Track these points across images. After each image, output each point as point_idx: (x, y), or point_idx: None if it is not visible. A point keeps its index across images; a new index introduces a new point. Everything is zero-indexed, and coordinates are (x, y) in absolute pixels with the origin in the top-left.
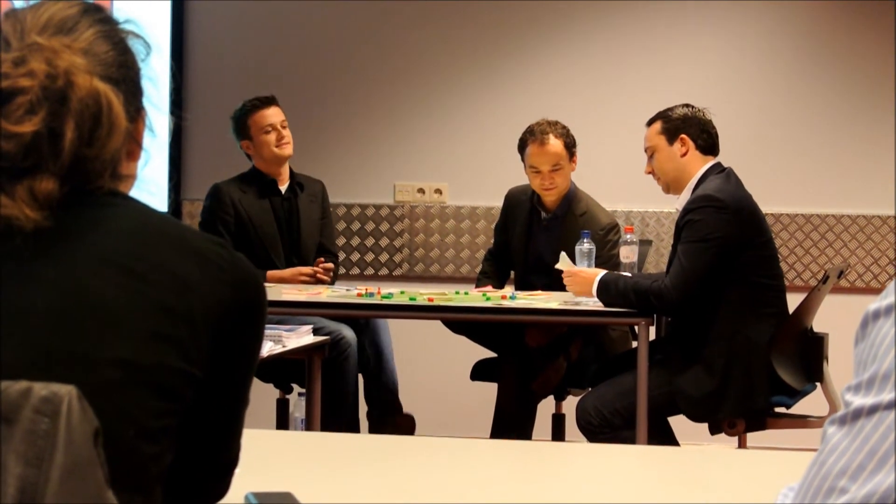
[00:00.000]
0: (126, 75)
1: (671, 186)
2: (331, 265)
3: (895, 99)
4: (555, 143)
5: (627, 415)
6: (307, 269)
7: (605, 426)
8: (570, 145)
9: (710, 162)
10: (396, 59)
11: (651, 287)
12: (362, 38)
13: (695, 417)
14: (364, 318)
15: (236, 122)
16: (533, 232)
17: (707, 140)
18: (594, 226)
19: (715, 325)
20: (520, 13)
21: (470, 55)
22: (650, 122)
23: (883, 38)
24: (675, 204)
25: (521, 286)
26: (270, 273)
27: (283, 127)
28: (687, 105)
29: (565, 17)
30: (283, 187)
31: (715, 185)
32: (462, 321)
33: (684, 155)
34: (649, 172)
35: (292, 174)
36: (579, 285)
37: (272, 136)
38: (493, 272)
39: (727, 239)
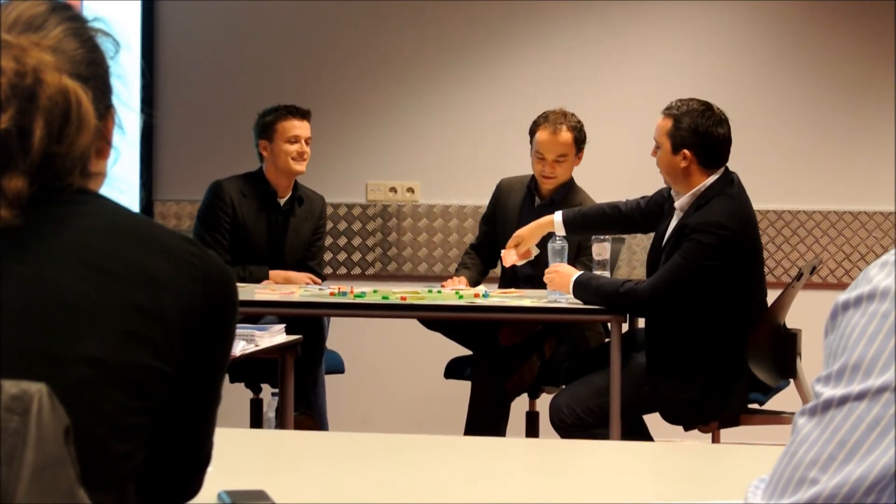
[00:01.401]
0: (95, 73)
1: (669, 184)
2: (319, 280)
3: (869, 97)
4: (565, 135)
5: (601, 413)
6: (305, 276)
7: (578, 424)
8: (580, 140)
9: (717, 174)
10: (368, 59)
11: (627, 289)
12: (333, 38)
13: (674, 422)
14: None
15: (263, 121)
16: (524, 217)
17: (712, 156)
18: None
19: (697, 334)
20: (492, 12)
21: (442, 54)
22: (664, 113)
23: (861, 37)
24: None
25: (506, 273)
26: (276, 272)
27: (307, 142)
28: (706, 108)
29: (538, 17)
30: (283, 199)
31: (726, 209)
32: (435, 319)
33: (685, 168)
34: (654, 156)
35: (295, 186)
36: (557, 283)
37: (294, 148)
38: (473, 265)
39: (723, 268)
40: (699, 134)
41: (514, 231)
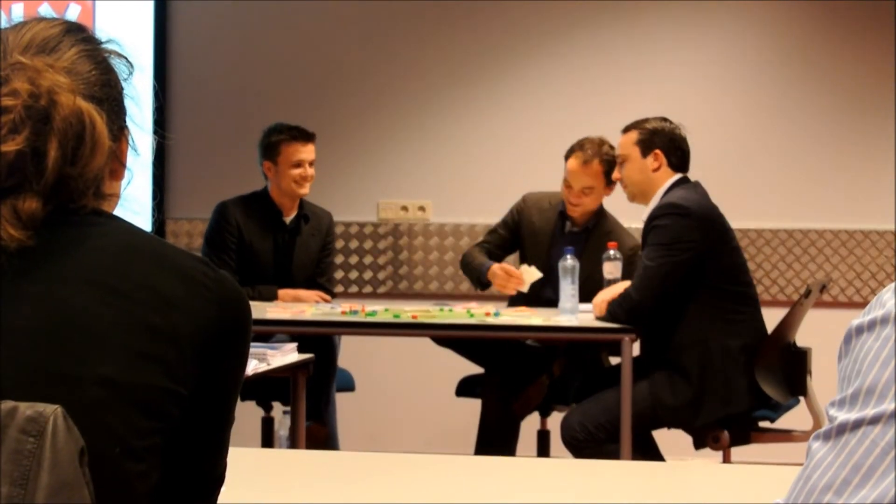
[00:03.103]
0: (109, 94)
1: (637, 196)
2: (329, 297)
3: (878, 116)
4: (595, 167)
5: (611, 429)
6: (314, 294)
7: (590, 440)
8: (609, 175)
9: (678, 176)
10: (379, 78)
11: (620, 297)
12: (344, 58)
13: (674, 425)
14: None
15: (268, 142)
16: (555, 242)
17: (680, 157)
18: (621, 247)
19: (688, 334)
20: (503, 31)
21: (454, 72)
22: (626, 130)
23: (872, 56)
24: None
25: (529, 293)
26: (284, 291)
27: (311, 165)
28: (664, 119)
29: (550, 35)
30: (289, 218)
31: (680, 195)
32: (446, 338)
33: (656, 170)
34: (618, 179)
35: (301, 204)
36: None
37: (297, 172)
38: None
39: (691, 244)
40: (666, 133)
41: (544, 252)
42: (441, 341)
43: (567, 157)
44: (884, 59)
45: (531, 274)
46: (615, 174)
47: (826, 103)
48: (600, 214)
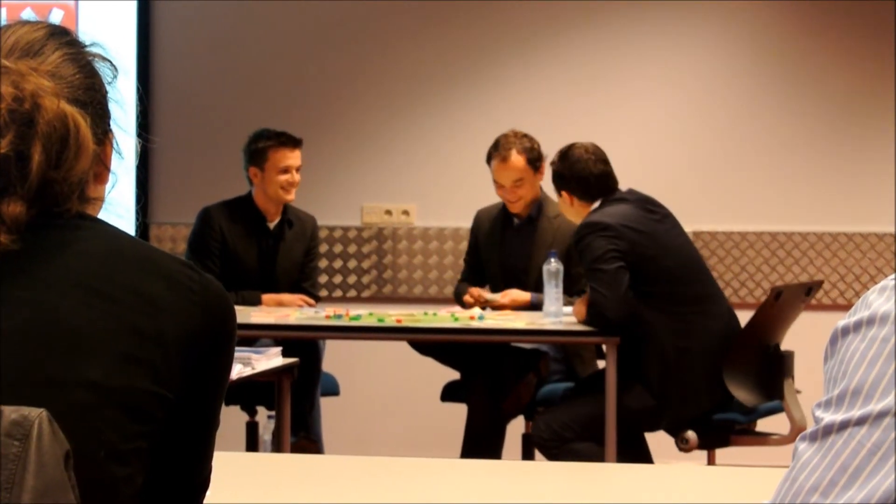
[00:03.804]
0: (93, 98)
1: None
2: (313, 302)
3: (870, 117)
4: (516, 160)
5: (578, 427)
6: (298, 298)
7: (556, 439)
8: (535, 160)
9: (598, 203)
10: (363, 82)
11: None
12: (328, 61)
13: (641, 429)
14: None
15: (255, 147)
16: (505, 238)
17: (586, 188)
18: (570, 226)
19: (644, 341)
20: (485, 35)
21: (438, 76)
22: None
23: (863, 58)
24: None
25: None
26: (268, 296)
27: (298, 171)
28: (568, 150)
29: (530, 39)
30: (273, 223)
31: (594, 213)
32: (429, 342)
33: (571, 205)
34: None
35: (285, 209)
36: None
37: (285, 178)
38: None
39: (618, 253)
40: (560, 175)
41: (497, 256)
42: (422, 350)
43: (488, 161)
44: (883, 60)
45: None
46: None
47: (825, 105)
48: (542, 202)
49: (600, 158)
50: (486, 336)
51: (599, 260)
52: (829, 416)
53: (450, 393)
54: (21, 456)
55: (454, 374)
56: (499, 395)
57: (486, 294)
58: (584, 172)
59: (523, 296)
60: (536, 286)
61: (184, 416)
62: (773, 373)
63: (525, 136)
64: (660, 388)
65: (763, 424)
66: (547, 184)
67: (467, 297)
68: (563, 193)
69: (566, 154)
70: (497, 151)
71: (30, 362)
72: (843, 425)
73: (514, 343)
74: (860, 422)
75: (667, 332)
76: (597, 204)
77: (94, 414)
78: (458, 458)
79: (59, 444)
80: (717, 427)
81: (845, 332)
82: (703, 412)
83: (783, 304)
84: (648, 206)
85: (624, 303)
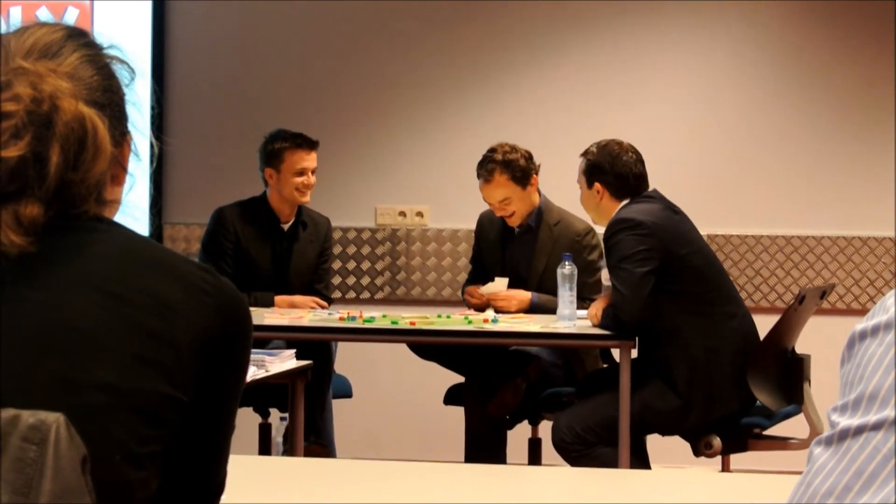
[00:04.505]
0: (111, 100)
1: (597, 220)
2: (325, 304)
3: (877, 122)
4: (498, 180)
5: (601, 431)
6: (310, 300)
7: (579, 443)
8: (520, 177)
9: (626, 201)
10: (377, 84)
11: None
12: (343, 63)
13: (663, 431)
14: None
15: (271, 148)
16: (507, 245)
17: (622, 185)
18: (570, 233)
19: (673, 342)
20: (499, 37)
21: (451, 78)
22: (581, 157)
23: (870, 59)
24: None
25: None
26: (280, 298)
27: (313, 173)
28: (606, 145)
29: (545, 40)
30: (287, 225)
31: (629, 210)
32: (431, 346)
33: (600, 201)
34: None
35: (300, 211)
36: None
37: (301, 180)
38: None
39: (650, 252)
40: (601, 166)
41: (498, 260)
42: (423, 353)
43: (477, 177)
44: (884, 66)
45: (497, 285)
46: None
47: (827, 110)
48: (542, 210)
49: (640, 159)
50: (499, 339)
51: (628, 259)
52: (845, 421)
53: (453, 396)
54: (38, 460)
55: (460, 378)
56: (488, 398)
57: (483, 288)
58: (625, 170)
59: (525, 295)
60: (537, 292)
61: (198, 419)
62: (792, 376)
63: (512, 150)
64: (687, 387)
65: (776, 428)
66: (561, 178)
67: (468, 296)
68: (597, 185)
69: (607, 148)
70: (480, 171)
71: (45, 364)
72: (860, 430)
73: (515, 346)
74: (876, 427)
75: (695, 332)
76: (624, 202)
77: (109, 416)
78: (467, 463)
79: (76, 448)
80: (742, 431)
81: (862, 336)
82: (727, 415)
83: (802, 307)
84: (672, 207)
85: (642, 308)
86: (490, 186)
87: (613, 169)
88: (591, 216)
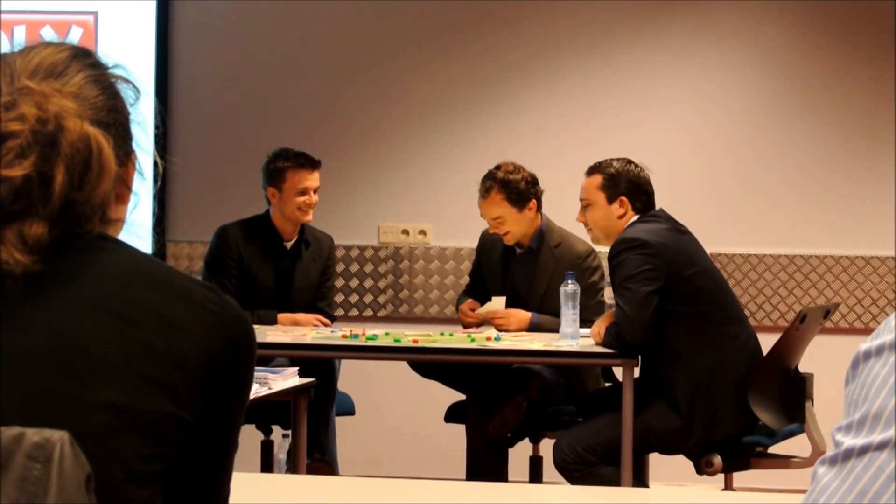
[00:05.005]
0: (116, 119)
1: (601, 240)
2: (328, 322)
3: (881, 142)
4: (493, 198)
5: (603, 451)
6: (313, 318)
7: (580, 463)
8: (515, 199)
9: (637, 216)
10: (380, 102)
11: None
12: (346, 82)
13: (665, 451)
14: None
15: (274, 167)
16: (508, 266)
17: (645, 201)
18: (571, 255)
19: (675, 363)
20: (503, 56)
21: (454, 97)
22: (589, 173)
23: (870, 78)
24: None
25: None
26: (283, 315)
27: (315, 192)
28: (628, 161)
29: (549, 59)
30: (290, 243)
31: (634, 229)
32: (433, 365)
33: (622, 217)
34: (582, 221)
35: (303, 229)
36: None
37: (303, 200)
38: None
39: (655, 272)
40: (631, 181)
41: (499, 281)
42: (425, 372)
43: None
44: (885, 85)
45: (494, 304)
46: (578, 217)
47: (830, 130)
48: (543, 232)
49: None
50: (501, 357)
51: (632, 279)
52: (849, 441)
53: (454, 414)
54: (42, 479)
55: (461, 395)
56: (488, 416)
57: (481, 309)
58: (647, 187)
59: (525, 315)
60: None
61: (202, 437)
62: (794, 395)
63: (515, 170)
64: (688, 408)
65: (778, 447)
66: (563, 197)
67: (462, 315)
68: (622, 199)
69: (629, 163)
70: (480, 186)
71: (49, 384)
72: (864, 450)
73: (518, 364)
74: (881, 447)
75: (697, 353)
76: (632, 220)
77: (113, 436)
78: (468, 481)
79: (80, 467)
80: (743, 451)
81: (867, 355)
82: (730, 435)
83: (804, 326)
84: (678, 227)
85: (645, 327)
86: (486, 203)
87: (639, 184)
88: (597, 235)
